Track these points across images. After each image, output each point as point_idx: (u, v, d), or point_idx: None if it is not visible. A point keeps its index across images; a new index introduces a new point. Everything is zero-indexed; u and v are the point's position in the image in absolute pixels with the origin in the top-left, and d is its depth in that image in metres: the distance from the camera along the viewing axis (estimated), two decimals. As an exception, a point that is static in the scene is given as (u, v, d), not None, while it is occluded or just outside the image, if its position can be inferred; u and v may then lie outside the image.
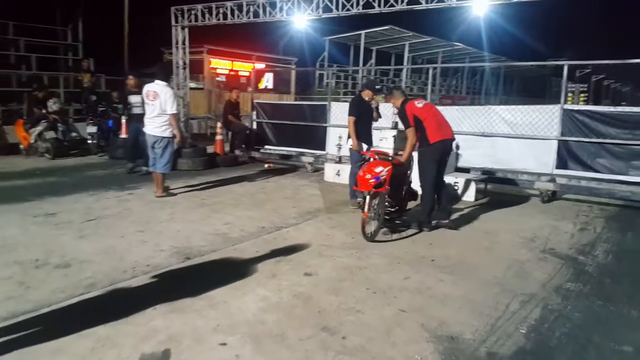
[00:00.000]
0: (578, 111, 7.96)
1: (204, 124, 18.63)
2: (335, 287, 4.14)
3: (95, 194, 7.47)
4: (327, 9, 13.78)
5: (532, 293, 4.12)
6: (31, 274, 4.24)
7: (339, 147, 9.15)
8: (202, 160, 10.14)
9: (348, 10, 13.10)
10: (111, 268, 4.44)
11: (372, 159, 5.92)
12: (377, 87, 7.58)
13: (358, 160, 7.49)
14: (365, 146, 7.50)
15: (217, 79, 23.21)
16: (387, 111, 8.79)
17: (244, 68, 25.90)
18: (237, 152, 11.35)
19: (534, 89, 44.20)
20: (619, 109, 7.78)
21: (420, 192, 6.26)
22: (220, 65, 24.34)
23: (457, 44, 35.55)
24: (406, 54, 34.45)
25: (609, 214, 7.08)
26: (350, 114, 7.27)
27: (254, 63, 26.57)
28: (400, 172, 5.97)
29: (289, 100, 22.51)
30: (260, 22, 15.42)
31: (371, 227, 5.50)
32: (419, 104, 6.09)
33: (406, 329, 3.43)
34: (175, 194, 7.65)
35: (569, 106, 8.08)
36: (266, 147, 11.74)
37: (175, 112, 7.35)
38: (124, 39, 19.54)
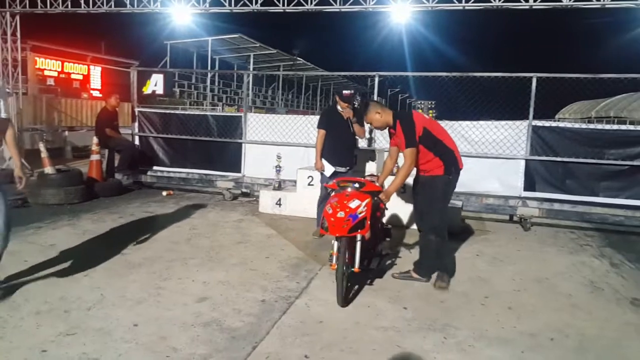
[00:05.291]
0: (548, 128, 7.35)
1: (38, 137, 14.78)
2: None
3: None
4: (217, 3, 11.62)
5: None
6: None
7: (278, 169, 7.25)
8: (78, 190, 7.23)
9: (245, 5, 11.25)
10: None
11: (334, 191, 4.14)
12: (345, 92, 5.90)
13: (326, 182, 5.88)
14: (331, 168, 5.88)
15: (48, 82, 19.06)
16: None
17: (77, 70, 22.08)
18: (118, 176, 8.59)
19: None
20: (591, 126, 7.35)
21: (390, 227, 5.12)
22: (48, 67, 20.12)
23: (299, 58, 35.62)
24: (251, 65, 33.59)
25: (607, 242, 6.36)
26: (317, 126, 5.97)
27: (88, 65, 22.90)
28: (375, 205, 4.21)
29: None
30: (97, 14, 12.57)
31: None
32: (425, 114, 4.54)
33: None
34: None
35: (537, 122, 7.39)
36: (155, 168, 9.17)
37: None
38: None
